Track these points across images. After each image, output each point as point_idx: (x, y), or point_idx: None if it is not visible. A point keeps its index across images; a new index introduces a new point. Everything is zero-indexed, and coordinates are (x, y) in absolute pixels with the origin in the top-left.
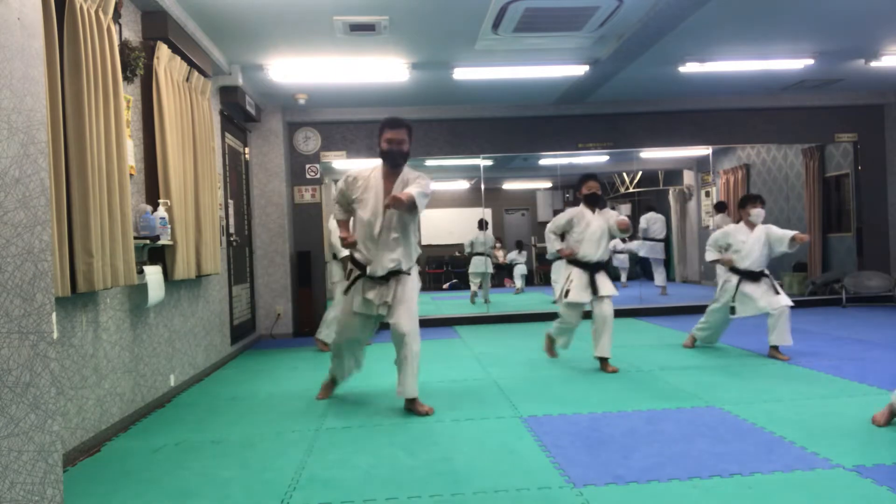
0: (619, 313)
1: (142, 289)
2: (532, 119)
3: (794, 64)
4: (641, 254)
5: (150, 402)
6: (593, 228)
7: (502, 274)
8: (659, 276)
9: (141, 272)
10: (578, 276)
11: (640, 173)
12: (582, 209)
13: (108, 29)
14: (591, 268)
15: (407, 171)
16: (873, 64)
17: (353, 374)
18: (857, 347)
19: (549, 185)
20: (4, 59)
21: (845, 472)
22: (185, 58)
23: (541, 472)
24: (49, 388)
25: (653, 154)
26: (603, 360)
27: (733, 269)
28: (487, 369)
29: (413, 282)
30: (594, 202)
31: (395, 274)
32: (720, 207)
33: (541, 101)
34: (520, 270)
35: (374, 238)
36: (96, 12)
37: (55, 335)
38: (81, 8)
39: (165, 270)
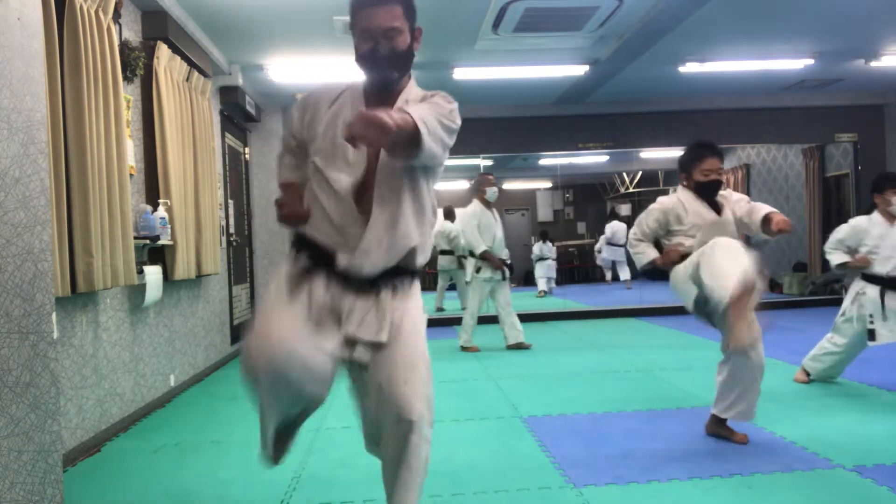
0: (619, 313)
1: (142, 289)
2: (532, 119)
3: (794, 64)
4: (605, 256)
5: (150, 402)
6: (731, 230)
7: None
8: (623, 273)
9: (141, 272)
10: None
11: (640, 173)
12: (689, 201)
13: (108, 29)
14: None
15: (414, 90)
16: (873, 64)
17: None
18: None
19: (549, 185)
20: (4, 59)
21: (845, 472)
22: (185, 58)
23: (541, 472)
24: (49, 388)
25: (653, 154)
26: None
27: (868, 277)
28: (487, 369)
29: (419, 300)
30: (712, 192)
31: (390, 278)
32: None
33: (541, 101)
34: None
35: (351, 212)
36: (96, 12)
37: (55, 335)
38: (81, 8)
39: (165, 270)
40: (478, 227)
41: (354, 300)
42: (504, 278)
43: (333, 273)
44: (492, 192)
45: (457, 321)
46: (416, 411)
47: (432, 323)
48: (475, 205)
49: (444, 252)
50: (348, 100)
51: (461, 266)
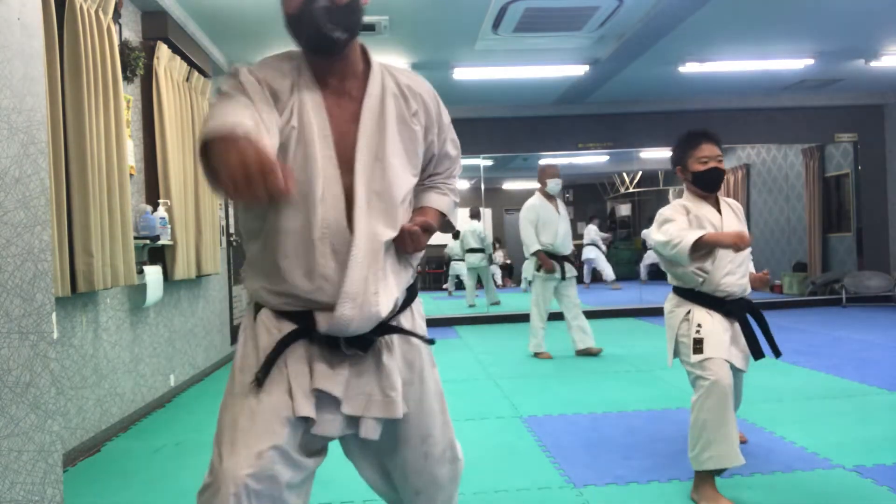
0: (619, 313)
1: (142, 289)
2: (532, 119)
3: (794, 64)
4: (590, 257)
5: (150, 402)
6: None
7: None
8: (607, 273)
9: (141, 272)
10: (717, 322)
11: (640, 173)
12: (693, 202)
13: (108, 29)
14: (733, 308)
15: (385, 73)
16: (873, 64)
17: None
18: (857, 347)
19: None
20: (4, 59)
21: (845, 472)
22: (185, 58)
23: (541, 472)
24: (49, 388)
25: (653, 154)
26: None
27: None
28: (487, 369)
29: (431, 360)
30: (714, 184)
31: (386, 333)
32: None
33: (541, 101)
34: (454, 270)
35: (331, 242)
36: (96, 12)
37: (55, 335)
38: (81, 8)
39: (165, 270)
40: (537, 221)
41: (345, 367)
42: (564, 277)
43: (315, 338)
44: (553, 185)
45: (456, 321)
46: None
47: (431, 323)
48: (536, 198)
49: (472, 250)
50: (304, 86)
51: (491, 263)
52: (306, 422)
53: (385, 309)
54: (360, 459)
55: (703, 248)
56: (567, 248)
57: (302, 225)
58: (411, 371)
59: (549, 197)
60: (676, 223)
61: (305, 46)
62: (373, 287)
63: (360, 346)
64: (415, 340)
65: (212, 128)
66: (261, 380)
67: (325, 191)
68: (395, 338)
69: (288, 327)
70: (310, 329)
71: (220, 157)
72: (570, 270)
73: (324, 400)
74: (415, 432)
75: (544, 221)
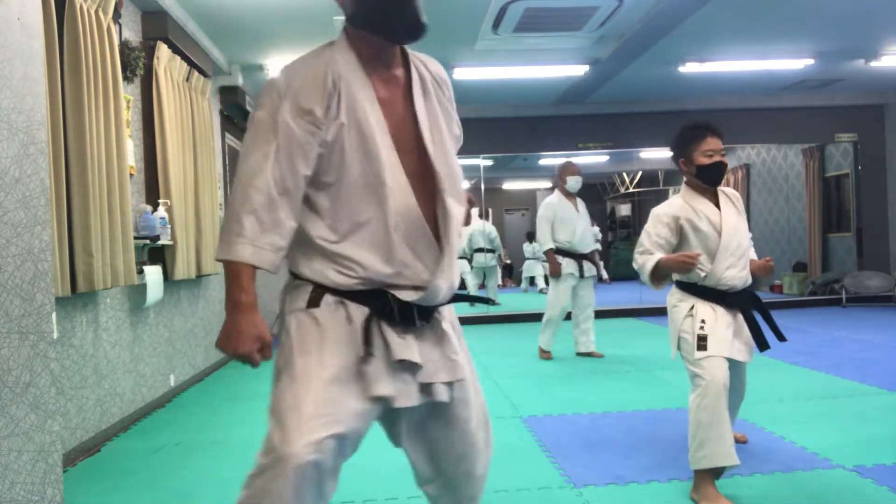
0: (619, 313)
1: (142, 289)
2: (532, 119)
3: (794, 64)
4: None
5: (150, 402)
6: (729, 229)
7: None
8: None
9: (141, 272)
10: (720, 316)
11: (640, 173)
12: (692, 197)
13: (108, 29)
14: (735, 300)
15: (420, 63)
16: (873, 64)
17: None
18: (857, 347)
19: (549, 185)
20: (4, 59)
21: (845, 472)
22: (185, 58)
23: (541, 472)
24: (49, 388)
25: (653, 154)
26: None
27: None
28: (487, 369)
29: (461, 331)
30: (719, 177)
31: (454, 301)
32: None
33: (541, 101)
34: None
35: (406, 228)
36: (96, 12)
37: (55, 335)
38: (81, 8)
39: (165, 270)
40: (554, 219)
41: (413, 338)
42: (583, 276)
43: (382, 314)
44: (573, 182)
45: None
46: (482, 467)
47: None
48: (555, 195)
49: (480, 250)
50: (351, 78)
51: (499, 262)
52: (377, 402)
53: (458, 279)
54: (407, 439)
55: (662, 271)
56: (586, 246)
57: (374, 215)
58: (457, 338)
59: (569, 195)
60: (649, 239)
61: (396, 33)
62: (454, 260)
63: (426, 317)
64: (449, 312)
65: (238, 256)
66: (366, 358)
67: (392, 179)
68: (444, 308)
69: (356, 309)
70: (385, 306)
71: (230, 314)
72: (589, 270)
73: (397, 374)
74: (459, 397)
75: (562, 219)
